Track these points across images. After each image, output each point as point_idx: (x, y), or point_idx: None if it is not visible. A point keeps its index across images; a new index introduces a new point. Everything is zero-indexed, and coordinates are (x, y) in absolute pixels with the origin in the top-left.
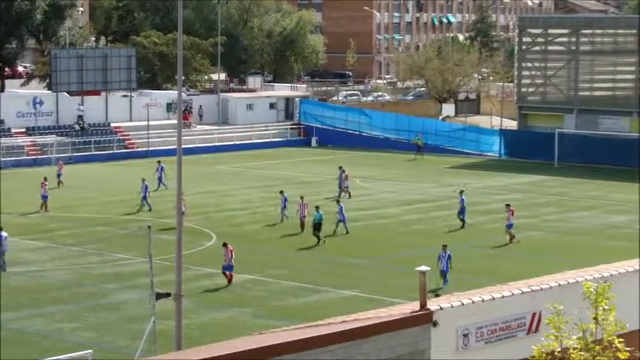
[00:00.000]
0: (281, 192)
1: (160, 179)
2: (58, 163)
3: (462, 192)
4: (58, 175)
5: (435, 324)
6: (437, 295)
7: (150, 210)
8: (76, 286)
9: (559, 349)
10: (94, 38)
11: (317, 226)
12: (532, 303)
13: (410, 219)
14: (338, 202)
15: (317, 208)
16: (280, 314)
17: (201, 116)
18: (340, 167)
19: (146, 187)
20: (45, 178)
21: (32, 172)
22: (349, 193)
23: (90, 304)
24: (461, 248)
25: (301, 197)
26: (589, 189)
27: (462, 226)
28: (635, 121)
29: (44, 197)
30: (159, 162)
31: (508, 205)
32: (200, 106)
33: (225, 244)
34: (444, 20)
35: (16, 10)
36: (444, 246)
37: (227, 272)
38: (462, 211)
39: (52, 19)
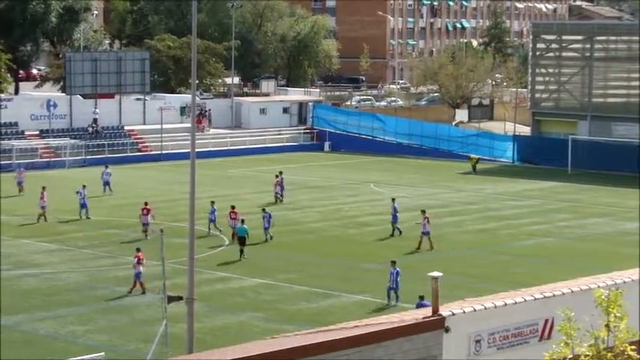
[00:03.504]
0: (212, 202)
1: (107, 183)
2: (18, 170)
3: (393, 199)
4: (19, 183)
5: (447, 330)
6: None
7: (87, 217)
8: (88, 288)
9: (570, 356)
10: (108, 41)
11: (241, 240)
12: (544, 309)
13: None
14: (264, 210)
15: (242, 221)
16: (292, 319)
17: (210, 120)
18: (279, 173)
19: (82, 193)
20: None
21: (45, 175)
22: (278, 198)
23: (102, 307)
24: (473, 254)
25: (232, 207)
26: (602, 196)
27: (392, 234)
28: None
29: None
30: (106, 166)
31: (424, 212)
32: (209, 109)
33: (137, 249)
34: (458, 26)
35: (31, 13)
36: (393, 262)
37: (138, 280)
38: (394, 219)
39: (66, 23)
